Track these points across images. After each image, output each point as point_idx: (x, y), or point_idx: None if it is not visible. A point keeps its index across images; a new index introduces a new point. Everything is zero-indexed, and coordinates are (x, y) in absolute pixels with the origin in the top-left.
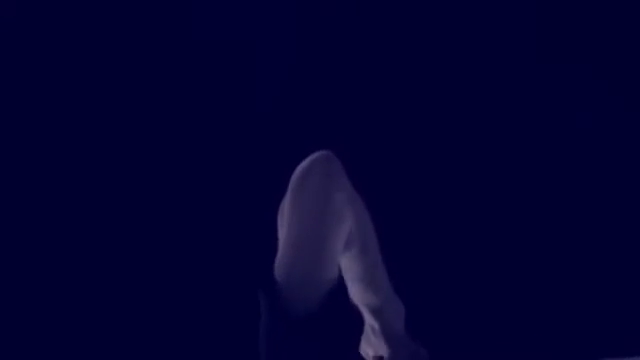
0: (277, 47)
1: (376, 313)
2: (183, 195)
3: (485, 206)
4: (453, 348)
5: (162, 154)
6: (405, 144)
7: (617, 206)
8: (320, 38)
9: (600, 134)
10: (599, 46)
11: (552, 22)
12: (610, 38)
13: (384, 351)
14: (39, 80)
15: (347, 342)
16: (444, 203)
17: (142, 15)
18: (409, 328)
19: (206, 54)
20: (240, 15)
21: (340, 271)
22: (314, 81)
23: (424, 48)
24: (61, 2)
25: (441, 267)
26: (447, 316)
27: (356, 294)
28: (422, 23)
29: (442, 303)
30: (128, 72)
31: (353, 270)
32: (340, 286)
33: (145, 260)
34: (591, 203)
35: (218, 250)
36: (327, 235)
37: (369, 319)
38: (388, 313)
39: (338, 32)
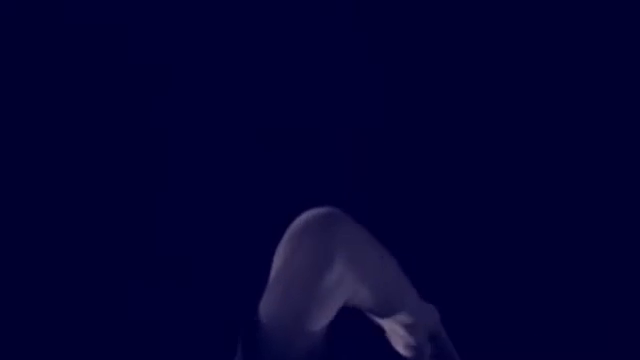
0: (277, 47)
1: (400, 333)
2: (177, 196)
3: (491, 209)
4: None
5: (159, 156)
6: (410, 144)
7: (618, 207)
8: (320, 38)
9: (600, 134)
10: (599, 46)
11: (552, 22)
12: (610, 38)
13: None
14: (40, 79)
15: None
16: (447, 203)
17: (140, 14)
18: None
19: (205, 54)
20: (240, 15)
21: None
22: (314, 82)
23: (427, 49)
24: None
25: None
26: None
27: (379, 321)
28: (425, 24)
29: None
30: (125, 72)
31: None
32: None
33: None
34: (592, 204)
35: (202, 268)
36: (319, 300)
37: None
38: (416, 327)
39: (339, 32)
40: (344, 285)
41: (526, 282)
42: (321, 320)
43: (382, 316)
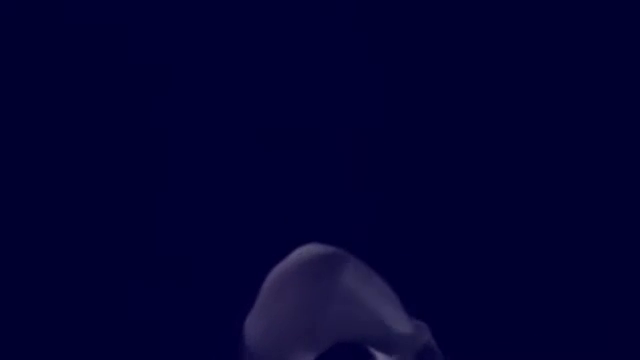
0: (277, 47)
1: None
2: (177, 196)
3: (491, 208)
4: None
5: (159, 156)
6: (410, 144)
7: (617, 208)
8: (320, 38)
9: (600, 134)
10: (599, 46)
11: (552, 22)
12: (610, 38)
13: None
14: (40, 79)
15: None
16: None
17: (140, 14)
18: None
19: (205, 54)
20: (240, 15)
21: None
22: (314, 82)
23: (427, 49)
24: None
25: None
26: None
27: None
28: (425, 24)
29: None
30: (125, 72)
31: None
32: None
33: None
34: (591, 205)
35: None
36: (307, 339)
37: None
38: (405, 350)
39: (339, 32)
40: (337, 326)
41: (527, 291)
42: (308, 357)
43: (373, 346)
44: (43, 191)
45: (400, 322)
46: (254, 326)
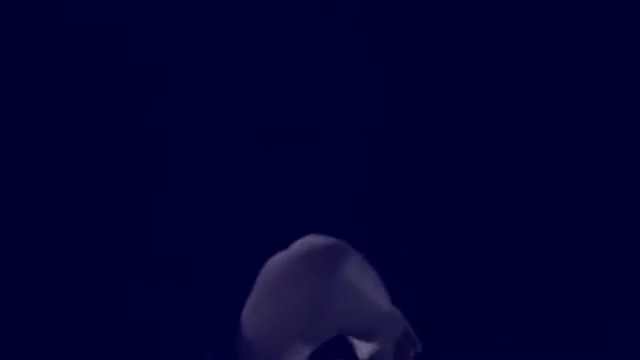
0: (277, 47)
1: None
2: (177, 196)
3: (490, 208)
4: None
5: (159, 156)
6: (410, 144)
7: (617, 208)
8: (321, 38)
9: (600, 134)
10: (599, 46)
11: (552, 22)
12: (610, 38)
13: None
14: (40, 79)
15: None
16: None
17: (140, 14)
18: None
19: (205, 54)
20: (240, 15)
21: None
22: (314, 82)
23: (427, 49)
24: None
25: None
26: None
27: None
28: (425, 24)
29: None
30: (125, 72)
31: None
32: None
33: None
34: (591, 205)
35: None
36: (307, 334)
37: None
38: (383, 339)
39: (339, 32)
40: (335, 318)
41: (527, 285)
42: (305, 349)
43: (356, 336)
44: (43, 191)
45: (386, 312)
46: (251, 317)
